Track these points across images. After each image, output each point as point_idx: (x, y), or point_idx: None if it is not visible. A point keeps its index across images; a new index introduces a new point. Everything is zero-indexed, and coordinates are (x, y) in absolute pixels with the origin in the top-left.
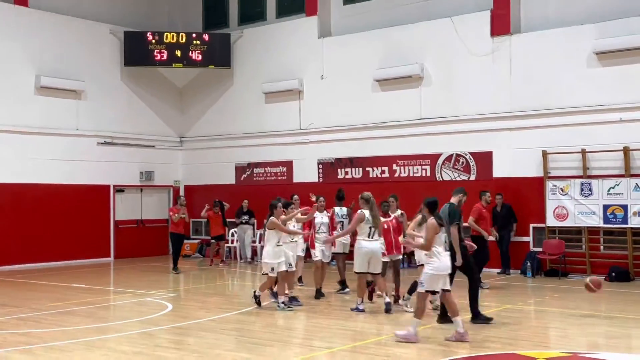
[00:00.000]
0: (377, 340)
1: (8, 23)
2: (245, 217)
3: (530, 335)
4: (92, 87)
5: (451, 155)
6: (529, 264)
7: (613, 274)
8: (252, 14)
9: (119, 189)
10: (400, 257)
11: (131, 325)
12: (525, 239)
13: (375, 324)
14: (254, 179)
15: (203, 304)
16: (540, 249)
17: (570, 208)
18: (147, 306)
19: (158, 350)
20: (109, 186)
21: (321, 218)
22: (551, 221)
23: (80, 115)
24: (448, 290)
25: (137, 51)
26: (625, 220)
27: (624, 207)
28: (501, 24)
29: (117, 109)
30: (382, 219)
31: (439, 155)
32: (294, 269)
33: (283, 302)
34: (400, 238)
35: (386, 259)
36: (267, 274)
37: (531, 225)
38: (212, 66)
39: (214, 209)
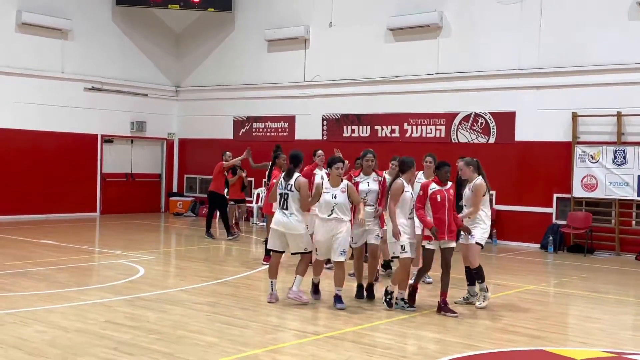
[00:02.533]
0: (371, 326)
1: None
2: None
3: (560, 327)
4: (79, 26)
5: (469, 115)
6: (550, 237)
7: None
8: None
9: (108, 140)
10: (454, 244)
11: (88, 293)
12: (547, 210)
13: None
14: (253, 134)
15: (180, 270)
16: (564, 222)
17: (601, 178)
18: (115, 270)
19: (107, 328)
20: (96, 136)
21: (367, 184)
22: (578, 192)
23: (66, 57)
24: None
25: None
26: None
27: None
28: None
29: (107, 52)
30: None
31: (455, 114)
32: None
33: (403, 299)
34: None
35: (432, 246)
36: (397, 257)
37: (555, 196)
38: (212, 9)
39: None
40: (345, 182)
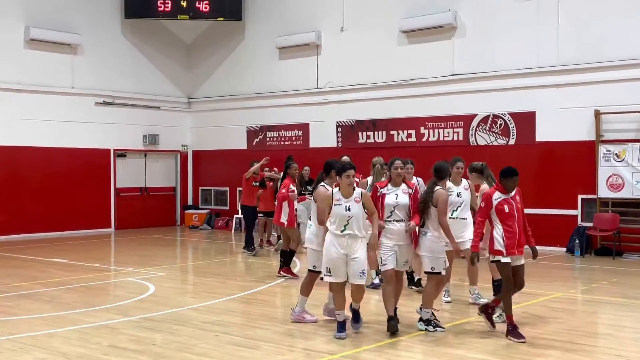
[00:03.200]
0: (391, 343)
1: None
2: (310, 188)
3: (592, 338)
4: (88, 41)
5: (487, 116)
6: (577, 241)
7: None
8: None
9: (120, 154)
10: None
11: (94, 314)
12: (572, 212)
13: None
14: (267, 143)
15: (192, 287)
16: (590, 224)
17: (627, 177)
18: (125, 288)
19: (110, 353)
20: (109, 150)
21: (395, 196)
22: (604, 192)
23: (76, 72)
24: None
25: (138, 1)
26: None
27: None
28: None
29: (117, 66)
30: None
31: (473, 116)
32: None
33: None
34: None
35: (507, 260)
36: (439, 272)
37: (579, 197)
38: (222, 18)
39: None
40: (358, 190)
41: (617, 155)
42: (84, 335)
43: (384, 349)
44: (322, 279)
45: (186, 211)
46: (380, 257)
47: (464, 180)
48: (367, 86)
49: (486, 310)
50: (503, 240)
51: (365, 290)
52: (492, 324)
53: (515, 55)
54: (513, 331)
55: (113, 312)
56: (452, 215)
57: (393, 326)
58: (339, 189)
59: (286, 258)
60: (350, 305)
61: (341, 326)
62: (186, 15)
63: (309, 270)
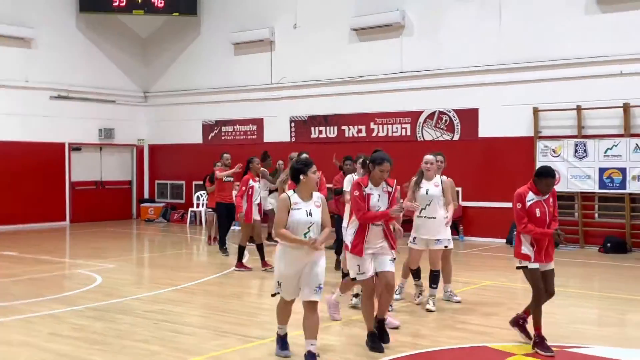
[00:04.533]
0: (327, 326)
1: None
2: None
3: (506, 323)
4: (43, 35)
5: (434, 113)
6: (514, 232)
7: (608, 244)
8: None
9: (76, 148)
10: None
11: (39, 304)
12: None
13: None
14: (222, 137)
15: (140, 278)
16: None
17: (563, 171)
18: (73, 280)
19: (52, 341)
20: (64, 144)
21: (377, 197)
22: None
23: (30, 66)
24: None
25: None
26: (623, 185)
27: (622, 171)
28: None
29: (72, 60)
30: None
31: (420, 112)
32: None
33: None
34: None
35: (536, 265)
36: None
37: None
38: (177, 13)
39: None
40: (317, 194)
41: (554, 151)
42: (28, 324)
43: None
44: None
45: (142, 205)
46: (358, 265)
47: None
48: (319, 82)
49: (517, 323)
50: (532, 246)
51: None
52: (528, 335)
53: (459, 54)
54: (541, 344)
55: (58, 303)
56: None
57: (374, 345)
58: (295, 191)
59: (239, 253)
60: (277, 330)
61: (283, 342)
62: (141, 10)
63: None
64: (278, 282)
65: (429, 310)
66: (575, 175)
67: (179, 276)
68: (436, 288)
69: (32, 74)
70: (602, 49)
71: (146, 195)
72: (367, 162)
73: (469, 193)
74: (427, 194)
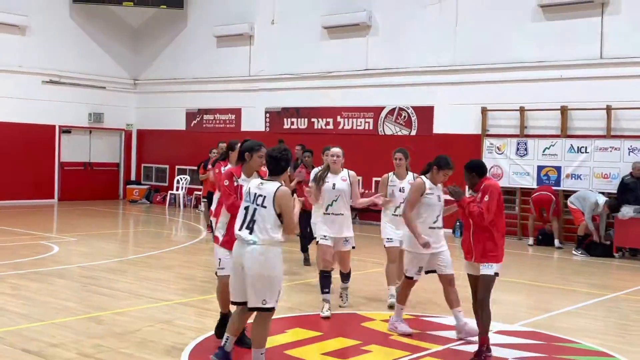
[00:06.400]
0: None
1: None
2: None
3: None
4: (37, 22)
5: (394, 109)
6: (457, 223)
7: (540, 237)
8: None
9: (66, 130)
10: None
11: None
12: None
13: None
14: (204, 125)
15: (93, 250)
16: None
17: (506, 168)
18: (32, 249)
19: None
20: (54, 126)
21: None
22: None
23: (24, 52)
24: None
25: None
26: (558, 182)
27: (558, 169)
28: None
29: (65, 47)
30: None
31: (382, 108)
32: None
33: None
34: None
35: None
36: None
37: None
38: (164, 6)
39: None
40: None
41: (499, 149)
42: None
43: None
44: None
45: (128, 186)
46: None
47: (410, 173)
48: (292, 76)
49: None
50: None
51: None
52: None
53: (418, 55)
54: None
55: (8, 267)
56: (394, 212)
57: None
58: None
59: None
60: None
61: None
62: (131, 2)
63: (405, 276)
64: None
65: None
66: (517, 172)
67: (130, 250)
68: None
69: (25, 60)
70: (545, 54)
71: (133, 178)
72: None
73: None
74: (333, 188)
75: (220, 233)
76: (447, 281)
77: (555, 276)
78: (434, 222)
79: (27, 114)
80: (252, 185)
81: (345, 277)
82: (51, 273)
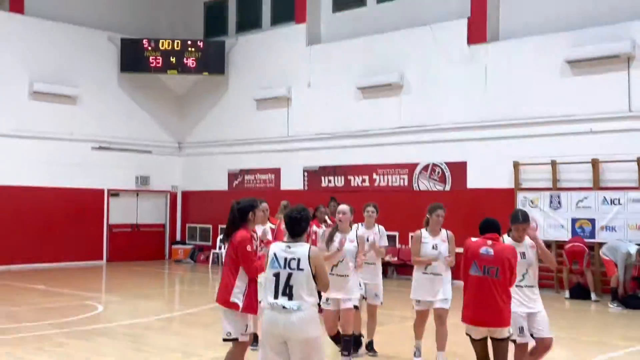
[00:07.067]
0: None
1: (3, 30)
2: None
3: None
4: (87, 92)
5: (428, 165)
6: None
7: (574, 290)
8: (249, 21)
9: (114, 193)
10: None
11: (38, 327)
12: None
13: None
14: (245, 185)
15: (134, 309)
16: None
17: (540, 221)
18: (78, 309)
19: (33, 353)
20: (103, 190)
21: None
22: None
23: (75, 120)
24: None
25: (133, 57)
26: (593, 234)
27: (592, 221)
28: (478, 32)
29: (113, 114)
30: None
31: (416, 164)
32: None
33: None
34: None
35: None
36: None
37: (503, 238)
38: (206, 73)
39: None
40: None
41: (532, 202)
42: (21, 341)
43: None
44: None
45: (174, 246)
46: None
47: (443, 230)
48: (329, 135)
49: None
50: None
51: None
52: None
53: (450, 111)
54: None
55: (54, 326)
56: (425, 270)
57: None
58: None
59: None
60: None
61: None
62: (175, 70)
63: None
64: None
65: None
66: (551, 224)
67: (171, 308)
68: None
69: (76, 128)
70: (574, 109)
71: (178, 238)
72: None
73: (458, 240)
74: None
75: (239, 299)
76: (544, 347)
77: (590, 329)
78: (520, 281)
79: (77, 179)
80: (276, 250)
81: (347, 344)
82: (93, 331)
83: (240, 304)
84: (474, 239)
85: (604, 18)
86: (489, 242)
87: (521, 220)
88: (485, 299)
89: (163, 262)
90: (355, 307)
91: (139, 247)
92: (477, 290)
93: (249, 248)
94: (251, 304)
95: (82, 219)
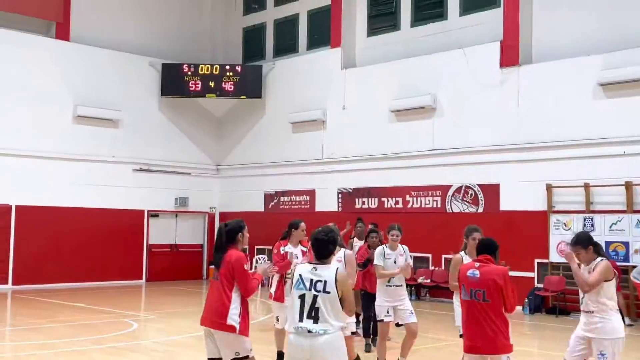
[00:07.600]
0: None
1: (50, 56)
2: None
3: None
4: (129, 116)
5: (461, 187)
6: (526, 300)
7: None
8: (286, 46)
9: (153, 214)
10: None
11: (75, 343)
12: (529, 274)
13: None
14: (281, 207)
15: (167, 327)
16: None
17: None
18: (114, 326)
19: None
20: (143, 211)
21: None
22: (554, 257)
23: (116, 143)
24: None
25: (173, 82)
26: (627, 257)
27: (626, 244)
28: (510, 55)
29: (154, 137)
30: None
31: (449, 186)
32: None
33: None
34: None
35: None
36: None
37: (536, 261)
38: (244, 97)
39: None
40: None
41: (565, 225)
42: (57, 357)
43: None
44: None
45: (211, 266)
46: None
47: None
48: (363, 158)
49: None
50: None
51: None
52: None
53: (482, 134)
54: None
55: (90, 342)
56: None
57: None
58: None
59: None
60: None
61: None
62: (213, 94)
63: None
64: None
65: None
66: None
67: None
68: None
69: (118, 150)
70: (607, 131)
71: None
72: None
73: None
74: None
75: (235, 321)
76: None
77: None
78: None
79: (118, 200)
80: (302, 271)
81: None
82: (125, 347)
83: (237, 327)
84: (465, 262)
85: (636, 41)
86: (477, 264)
87: (572, 242)
88: (475, 324)
89: (200, 281)
90: (353, 333)
91: (178, 267)
92: (468, 316)
93: (246, 267)
94: (246, 326)
95: (122, 239)
